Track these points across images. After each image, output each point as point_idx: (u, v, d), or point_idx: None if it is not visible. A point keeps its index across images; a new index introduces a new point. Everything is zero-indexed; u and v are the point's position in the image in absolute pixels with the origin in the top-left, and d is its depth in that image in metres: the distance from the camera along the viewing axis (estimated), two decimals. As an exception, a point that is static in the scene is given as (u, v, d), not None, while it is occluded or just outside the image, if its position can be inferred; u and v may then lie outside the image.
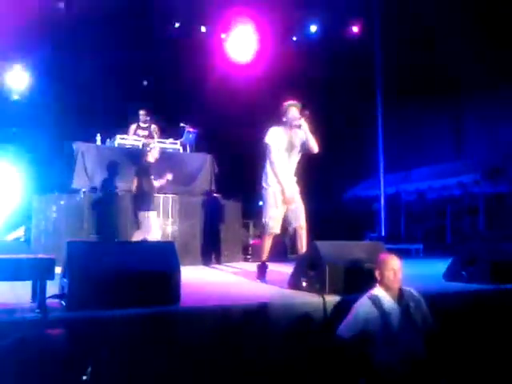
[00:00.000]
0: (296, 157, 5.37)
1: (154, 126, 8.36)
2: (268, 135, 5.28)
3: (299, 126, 5.26)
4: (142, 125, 8.29)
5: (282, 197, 5.19)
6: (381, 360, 3.23)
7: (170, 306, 3.42)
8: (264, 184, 5.32)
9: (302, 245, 5.24)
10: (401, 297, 3.45)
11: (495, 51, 10.80)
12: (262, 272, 5.26)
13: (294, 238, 5.44)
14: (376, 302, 3.38)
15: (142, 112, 8.34)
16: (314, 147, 5.30)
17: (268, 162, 5.29)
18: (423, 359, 3.25)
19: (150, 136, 8.14)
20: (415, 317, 3.39)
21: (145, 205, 6.54)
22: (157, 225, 6.75)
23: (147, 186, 6.59)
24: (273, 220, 5.23)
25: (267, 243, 5.34)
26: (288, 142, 5.28)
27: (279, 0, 11.13)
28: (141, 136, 8.01)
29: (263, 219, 5.34)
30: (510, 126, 11.22)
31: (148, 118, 8.33)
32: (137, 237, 6.41)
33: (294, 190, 5.33)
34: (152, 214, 6.59)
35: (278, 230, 5.33)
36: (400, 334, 3.28)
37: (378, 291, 3.45)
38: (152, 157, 6.72)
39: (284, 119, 5.29)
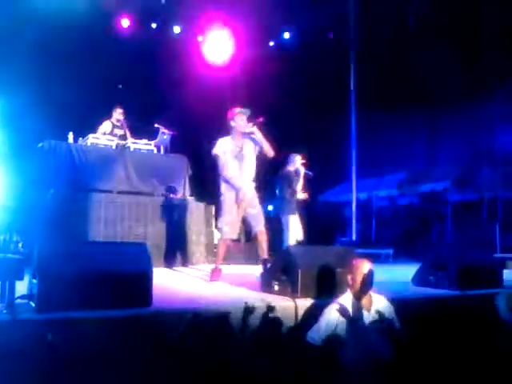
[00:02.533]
0: (249, 163, 5.43)
1: (125, 125, 8.23)
2: (215, 147, 5.40)
3: (249, 133, 5.34)
4: (116, 123, 8.13)
5: (237, 203, 5.29)
6: (349, 364, 3.27)
7: (141, 308, 3.41)
8: (222, 190, 5.44)
9: (263, 249, 5.38)
10: (370, 302, 3.51)
11: (468, 64, 11.08)
12: (215, 275, 5.36)
13: (256, 242, 5.55)
14: (346, 307, 3.44)
15: (119, 110, 8.13)
16: (269, 152, 5.40)
17: (219, 172, 5.40)
18: (391, 364, 3.31)
19: (125, 135, 8.03)
20: (383, 323, 3.45)
21: (286, 210, 7.18)
22: (298, 227, 7.23)
23: (289, 192, 7.20)
24: (228, 226, 5.33)
25: (222, 248, 5.47)
26: (237, 150, 5.36)
27: (255, 6, 11.20)
28: (118, 135, 7.90)
29: (219, 224, 5.49)
30: (479, 137, 11.51)
31: (122, 118, 8.21)
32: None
33: (251, 196, 5.41)
34: (293, 218, 7.19)
35: (233, 236, 5.47)
36: (369, 339, 3.34)
37: (348, 296, 3.51)
38: (293, 166, 7.34)
39: (232, 125, 5.37)
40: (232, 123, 5.39)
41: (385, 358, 3.29)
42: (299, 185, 7.39)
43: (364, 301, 3.49)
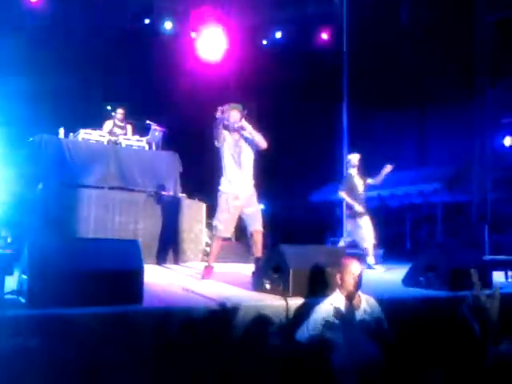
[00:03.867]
0: (247, 159, 5.39)
1: (129, 126, 8.27)
2: (214, 136, 5.32)
3: (241, 128, 5.31)
4: (118, 123, 8.19)
5: (235, 201, 5.25)
6: (338, 364, 3.28)
7: (132, 305, 3.38)
8: (220, 187, 5.40)
9: (258, 249, 5.33)
10: (359, 302, 3.52)
11: (459, 64, 11.15)
12: (207, 273, 5.33)
13: (251, 241, 5.49)
14: (334, 306, 3.45)
15: (120, 111, 8.25)
16: (262, 143, 5.34)
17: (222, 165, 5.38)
18: (379, 364, 3.32)
19: (125, 135, 8.06)
20: (371, 323, 3.47)
21: (352, 211, 7.15)
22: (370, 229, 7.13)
23: (353, 194, 7.17)
24: (223, 224, 5.30)
25: (215, 246, 5.42)
26: (235, 146, 5.33)
27: (249, 4, 11.22)
28: (118, 134, 7.90)
29: (214, 222, 5.41)
30: (470, 138, 11.59)
31: (123, 119, 8.26)
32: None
33: (248, 194, 5.38)
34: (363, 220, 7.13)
35: (227, 234, 5.44)
36: (356, 338, 3.35)
37: (337, 296, 3.52)
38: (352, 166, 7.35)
39: (225, 123, 5.31)
40: (225, 121, 5.33)
41: (374, 359, 3.30)
42: (360, 185, 7.33)
43: (353, 300, 3.50)
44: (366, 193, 7.48)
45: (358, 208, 7.14)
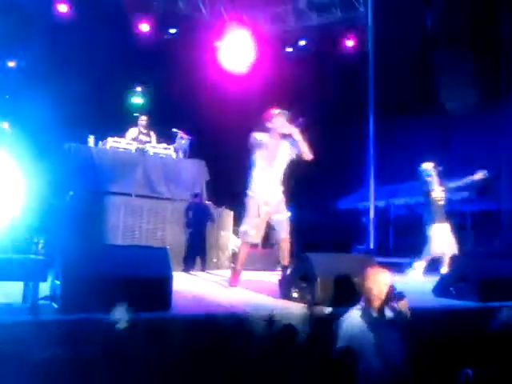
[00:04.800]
0: (280, 166, 5.28)
1: (152, 133, 8.39)
2: (252, 139, 5.21)
3: (288, 135, 5.21)
4: (142, 130, 8.31)
5: (265, 207, 5.17)
6: (364, 374, 3.25)
7: (161, 312, 3.42)
8: (249, 191, 5.27)
9: (285, 257, 5.21)
10: (384, 310, 3.47)
11: (485, 70, 11.00)
12: (234, 280, 5.27)
13: (278, 249, 5.41)
14: (362, 315, 3.41)
15: (143, 118, 8.37)
16: (307, 155, 5.22)
17: (252, 167, 5.28)
18: (407, 373, 3.27)
19: (150, 142, 8.17)
20: (397, 329, 3.42)
21: (432, 219, 6.99)
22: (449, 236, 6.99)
23: (435, 199, 7.02)
24: (253, 229, 5.18)
25: (243, 253, 5.32)
26: (270, 151, 5.21)
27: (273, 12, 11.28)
28: (143, 142, 8.02)
29: (243, 227, 5.28)
30: (497, 146, 11.39)
31: (147, 126, 8.38)
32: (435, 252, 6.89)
33: (278, 200, 5.28)
34: (437, 227, 6.97)
35: (257, 240, 5.36)
36: (385, 347, 3.31)
37: (364, 305, 3.47)
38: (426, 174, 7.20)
39: (270, 126, 5.24)
40: (269, 124, 5.25)
41: (403, 372, 3.26)
42: (436, 191, 7.21)
43: (380, 309, 3.45)
44: (447, 199, 7.34)
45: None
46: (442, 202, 7.16)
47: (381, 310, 3.45)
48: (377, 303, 3.44)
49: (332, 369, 3.42)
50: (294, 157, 5.31)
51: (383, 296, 3.43)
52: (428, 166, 7.38)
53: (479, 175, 7.10)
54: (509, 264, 5.71)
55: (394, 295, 3.45)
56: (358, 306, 3.50)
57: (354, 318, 3.42)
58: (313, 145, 5.30)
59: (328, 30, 12.32)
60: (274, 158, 5.23)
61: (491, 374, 3.09)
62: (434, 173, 7.26)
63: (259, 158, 5.24)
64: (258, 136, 5.22)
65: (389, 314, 3.47)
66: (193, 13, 11.65)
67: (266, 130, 5.29)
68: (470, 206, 11.62)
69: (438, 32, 11.41)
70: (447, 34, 11.15)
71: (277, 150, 5.24)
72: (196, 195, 7.79)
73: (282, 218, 5.27)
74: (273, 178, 5.26)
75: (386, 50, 11.27)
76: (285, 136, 5.28)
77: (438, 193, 7.20)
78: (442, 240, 7.03)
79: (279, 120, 5.22)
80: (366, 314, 3.42)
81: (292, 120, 5.26)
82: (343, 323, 3.42)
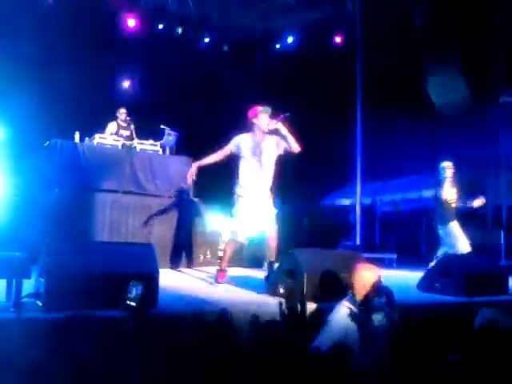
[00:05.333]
0: (268, 161, 5.33)
1: (133, 126, 8.29)
2: (233, 142, 5.34)
3: (273, 131, 5.28)
4: (122, 124, 8.20)
5: (252, 204, 5.22)
6: (357, 370, 3.26)
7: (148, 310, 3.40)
8: (236, 189, 5.34)
9: (272, 253, 5.27)
10: (372, 305, 3.48)
11: (472, 68, 11.09)
12: (221, 277, 5.30)
13: (265, 245, 5.44)
14: (351, 311, 3.42)
15: (122, 110, 8.22)
16: (295, 147, 5.30)
17: (239, 165, 5.33)
18: (395, 368, 3.29)
19: (131, 136, 8.08)
20: (385, 323, 3.44)
21: (444, 219, 6.86)
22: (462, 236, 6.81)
23: (446, 201, 6.85)
24: (240, 227, 5.25)
25: (229, 250, 5.37)
26: (256, 148, 5.28)
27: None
28: (124, 136, 7.94)
29: (230, 225, 5.38)
30: (483, 143, 11.48)
31: (128, 118, 8.25)
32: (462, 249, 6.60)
33: (265, 197, 5.33)
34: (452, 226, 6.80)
35: (244, 238, 5.36)
36: (377, 343, 3.32)
37: (352, 300, 3.49)
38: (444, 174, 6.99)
39: (254, 124, 5.32)
40: (254, 121, 5.31)
41: (388, 363, 3.28)
42: (449, 192, 7.01)
43: (368, 304, 3.46)
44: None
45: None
46: (454, 205, 6.96)
47: (367, 305, 3.46)
48: (363, 297, 3.45)
49: (321, 365, 3.43)
50: (282, 152, 5.36)
51: (371, 291, 3.45)
52: (445, 165, 7.19)
53: (478, 203, 6.97)
54: (493, 260, 5.80)
55: (380, 290, 3.47)
56: (345, 302, 3.51)
57: (341, 314, 3.43)
58: (299, 140, 5.33)
59: (316, 27, 12.31)
60: (260, 155, 5.28)
61: (474, 362, 3.11)
62: (448, 174, 7.07)
63: (245, 156, 5.30)
64: (236, 141, 5.34)
65: (375, 309, 3.48)
66: (181, 8, 11.56)
67: (250, 127, 5.35)
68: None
69: (427, 30, 11.46)
70: (435, 29, 11.19)
71: (263, 146, 5.30)
72: (183, 192, 7.75)
73: (268, 215, 5.31)
74: (260, 175, 5.30)
75: (374, 47, 11.30)
76: (271, 132, 5.32)
77: (451, 195, 7.00)
78: (458, 238, 6.89)
79: (263, 117, 5.30)
80: (354, 309, 3.43)
81: (275, 115, 5.33)
82: (330, 321, 3.43)
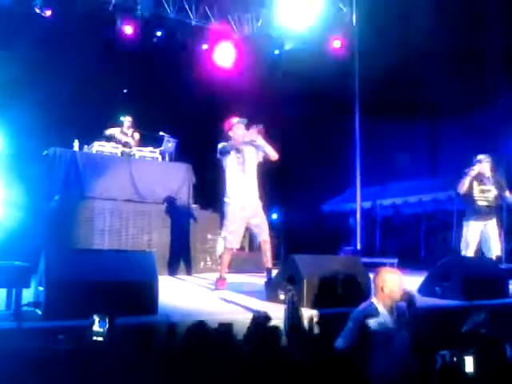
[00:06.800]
0: (251, 170, 5.41)
1: (136, 134, 8.34)
2: (219, 151, 5.41)
3: (250, 142, 5.36)
4: (124, 130, 8.26)
5: (242, 212, 5.27)
6: (377, 372, 3.24)
7: (147, 316, 3.40)
8: (225, 198, 5.42)
9: (268, 259, 5.34)
10: (394, 309, 3.48)
11: (470, 71, 11.11)
12: (220, 284, 5.32)
13: (260, 252, 5.50)
14: (372, 313, 3.41)
15: (128, 118, 8.35)
16: (273, 155, 5.42)
17: (225, 175, 5.41)
18: (416, 371, 3.28)
19: (130, 144, 8.11)
20: (406, 328, 3.43)
21: (465, 215, 6.62)
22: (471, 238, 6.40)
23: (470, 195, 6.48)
24: (232, 235, 5.31)
25: (226, 257, 5.40)
26: (237, 157, 5.36)
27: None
28: (122, 142, 7.97)
29: (222, 233, 5.45)
30: (482, 146, 11.48)
31: (131, 129, 8.34)
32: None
33: (254, 204, 5.39)
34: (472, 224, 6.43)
35: (236, 245, 5.42)
36: (395, 345, 3.31)
37: (374, 302, 3.47)
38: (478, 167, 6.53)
39: (231, 135, 5.41)
40: (230, 133, 5.43)
41: (411, 370, 3.27)
42: (474, 189, 6.57)
43: (389, 307, 3.44)
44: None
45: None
46: (480, 203, 6.53)
47: (390, 309, 3.45)
48: (387, 302, 3.44)
49: (334, 368, 3.41)
50: (261, 160, 5.48)
51: (396, 296, 3.44)
52: (480, 159, 6.71)
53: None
54: (493, 263, 5.78)
55: (403, 294, 3.48)
56: (366, 304, 3.48)
57: (361, 316, 3.40)
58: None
59: (314, 32, 12.33)
60: (243, 163, 5.37)
61: (468, 357, 3.11)
62: (472, 170, 6.57)
63: (230, 165, 5.40)
64: (220, 150, 5.41)
65: (398, 313, 3.47)
66: (179, 15, 11.60)
67: (228, 139, 5.45)
68: (455, 205, 11.70)
69: (422, 32, 11.49)
70: (432, 34, 11.22)
71: (244, 155, 5.38)
72: (181, 199, 7.76)
73: (260, 221, 5.38)
74: (246, 183, 5.38)
75: (372, 52, 11.33)
76: (247, 143, 5.39)
77: (477, 192, 6.59)
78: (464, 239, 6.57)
79: (238, 128, 5.40)
80: (375, 312, 3.40)
81: (250, 126, 5.40)
82: (351, 322, 3.40)
